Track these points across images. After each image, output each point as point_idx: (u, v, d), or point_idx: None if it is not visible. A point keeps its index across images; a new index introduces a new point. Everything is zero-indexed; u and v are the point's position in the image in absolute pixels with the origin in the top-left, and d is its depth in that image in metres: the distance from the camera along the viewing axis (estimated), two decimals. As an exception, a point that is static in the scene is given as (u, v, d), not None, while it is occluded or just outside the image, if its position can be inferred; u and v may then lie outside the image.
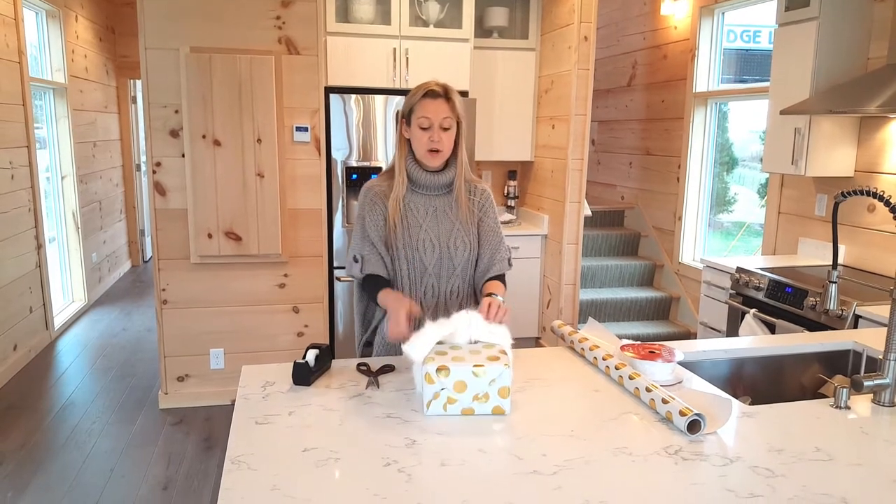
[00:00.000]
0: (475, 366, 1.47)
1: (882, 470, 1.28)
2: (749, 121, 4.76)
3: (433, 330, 1.59)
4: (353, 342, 3.93)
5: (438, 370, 1.47)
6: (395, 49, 3.87)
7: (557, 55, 4.22)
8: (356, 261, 1.93)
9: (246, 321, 3.63)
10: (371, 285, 1.92)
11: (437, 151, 1.86)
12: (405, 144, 1.90)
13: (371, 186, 1.96)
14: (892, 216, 1.54)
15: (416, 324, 1.73)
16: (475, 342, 1.62)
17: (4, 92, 4.08)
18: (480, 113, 4.43)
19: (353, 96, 3.70)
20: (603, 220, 5.52)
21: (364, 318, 2.07)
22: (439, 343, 1.59)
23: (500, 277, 2.00)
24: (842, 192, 1.68)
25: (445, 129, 1.85)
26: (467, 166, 1.95)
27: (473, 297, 2.03)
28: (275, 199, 3.47)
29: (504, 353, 1.57)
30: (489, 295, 1.81)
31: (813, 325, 2.86)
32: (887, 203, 1.57)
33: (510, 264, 2.03)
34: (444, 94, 1.84)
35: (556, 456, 1.31)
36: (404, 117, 1.89)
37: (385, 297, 1.85)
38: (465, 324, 1.62)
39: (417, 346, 1.55)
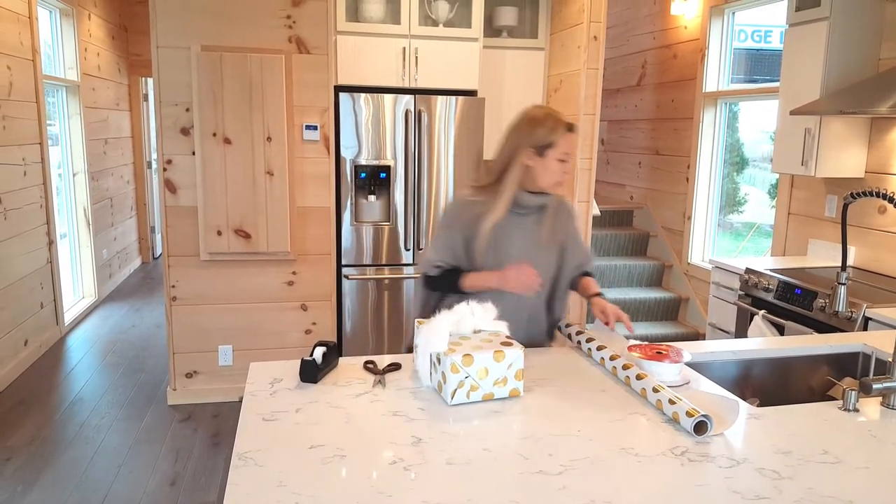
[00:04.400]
0: (496, 352, 1.53)
1: (890, 473, 1.27)
2: (760, 121, 4.73)
3: (442, 321, 1.62)
4: (360, 339, 3.95)
5: (464, 358, 1.51)
6: (404, 48, 3.87)
7: (567, 54, 4.21)
8: (438, 267, 1.99)
9: (254, 318, 3.65)
10: (452, 276, 1.96)
11: (563, 182, 1.93)
12: (521, 172, 1.90)
13: (464, 205, 1.97)
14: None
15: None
16: (479, 331, 1.67)
17: (18, 89, 4.12)
18: (489, 112, 4.42)
19: (363, 95, 3.71)
20: (612, 219, 5.50)
21: (426, 306, 2.09)
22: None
23: (590, 275, 2.15)
24: (851, 194, 1.67)
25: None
26: None
27: (545, 310, 2.08)
28: (284, 197, 3.49)
29: (511, 338, 1.63)
30: (597, 294, 2.02)
31: (822, 327, 2.84)
32: (898, 205, 1.56)
33: (592, 265, 2.19)
34: (574, 128, 1.91)
35: (561, 456, 1.31)
36: (534, 148, 1.87)
37: (475, 277, 1.93)
38: (468, 314, 1.67)
39: (434, 339, 1.57)
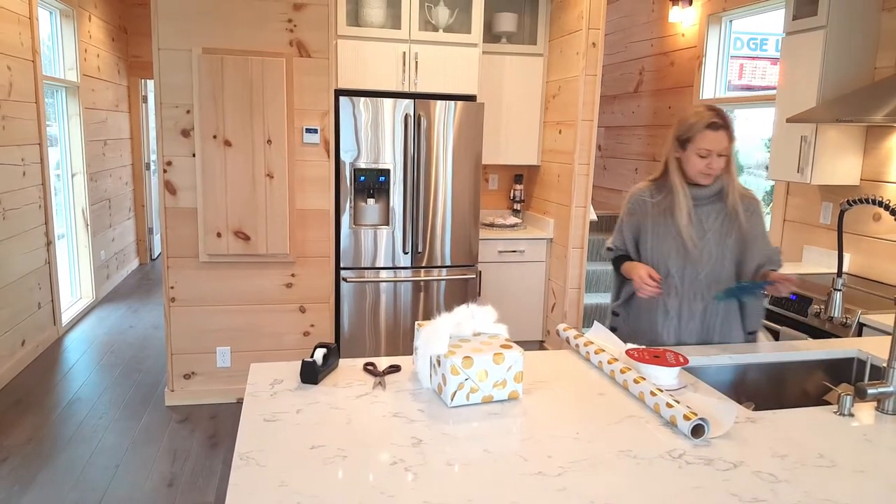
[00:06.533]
0: (495, 354, 1.55)
1: (885, 477, 1.29)
2: (755, 128, 4.77)
3: (443, 323, 1.63)
4: (357, 342, 3.96)
5: (464, 360, 1.52)
6: (404, 53, 3.89)
7: (565, 61, 4.24)
8: (609, 249, 2.29)
9: (253, 320, 3.66)
10: (620, 262, 2.23)
11: (708, 175, 2.03)
12: (676, 164, 2.08)
13: (636, 195, 2.20)
14: (897, 226, 1.55)
15: (659, 283, 2.02)
16: (479, 334, 1.68)
17: (18, 90, 4.13)
18: (488, 117, 4.45)
19: (362, 99, 3.73)
20: (608, 224, 5.52)
21: (618, 291, 2.31)
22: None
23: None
24: (848, 201, 1.69)
25: (721, 157, 2.01)
26: (737, 180, 2.09)
27: (736, 309, 2.13)
28: (283, 200, 3.50)
29: (510, 341, 1.64)
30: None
31: (817, 333, 2.86)
32: (893, 212, 1.58)
33: (780, 265, 2.13)
34: (724, 126, 1.99)
35: (561, 457, 1.32)
36: (678, 141, 2.05)
37: (628, 266, 2.15)
38: (468, 316, 1.68)
39: (435, 341, 1.58)
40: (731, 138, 2.01)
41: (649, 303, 2.14)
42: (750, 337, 2.17)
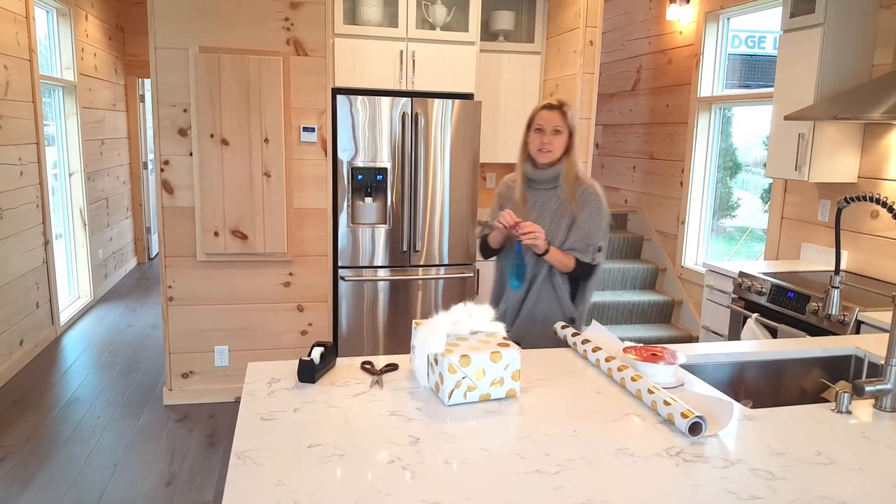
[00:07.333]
0: (492, 353, 1.54)
1: (883, 475, 1.29)
2: (753, 126, 4.77)
3: (440, 322, 1.63)
4: (355, 341, 3.96)
5: (461, 359, 1.52)
6: (401, 51, 3.89)
7: (563, 59, 4.24)
8: (481, 224, 2.44)
9: (251, 319, 3.66)
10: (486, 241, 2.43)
11: (546, 151, 2.24)
12: (524, 148, 2.32)
13: (504, 181, 2.45)
14: None
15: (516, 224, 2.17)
16: (476, 332, 1.67)
17: (15, 89, 4.12)
18: (485, 115, 4.45)
19: (360, 97, 3.72)
20: (607, 223, 5.52)
21: (494, 290, 2.48)
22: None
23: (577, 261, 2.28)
24: (845, 198, 1.69)
25: (556, 134, 2.23)
26: (581, 170, 2.29)
27: (550, 285, 2.30)
28: (281, 199, 3.50)
29: (507, 339, 1.64)
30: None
31: (815, 331, 2.86)
32: (890, 209, 1.58)
33: (593, 260, 2.30)
34: (558, 106, 2.25)
35: (558, 455, 1.32)
36: (527, 125, 2.31)
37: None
38: (465, 315, 1.68)
39: (432, 340, 1.58)
40: (565, 121, 2.23)
41: (501, 275, 2.41)
42: (572, 324, 2.31)
